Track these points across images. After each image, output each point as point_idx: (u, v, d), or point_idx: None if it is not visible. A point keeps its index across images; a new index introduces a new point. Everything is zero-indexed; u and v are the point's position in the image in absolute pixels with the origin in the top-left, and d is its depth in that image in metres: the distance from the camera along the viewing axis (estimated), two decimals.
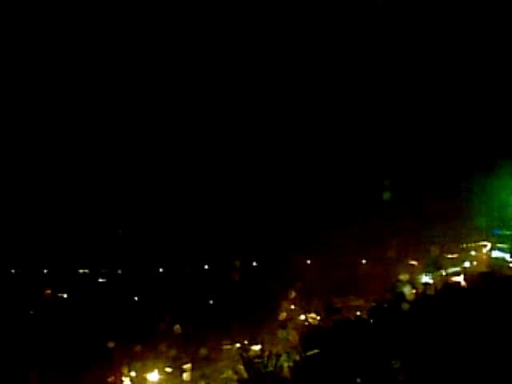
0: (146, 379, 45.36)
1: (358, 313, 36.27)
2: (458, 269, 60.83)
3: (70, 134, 77.32)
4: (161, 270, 72.72)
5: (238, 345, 44.97)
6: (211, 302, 61.39)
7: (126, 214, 72.61)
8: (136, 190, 74.50)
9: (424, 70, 70.97)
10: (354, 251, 67.53)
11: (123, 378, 45.50)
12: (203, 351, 44.64)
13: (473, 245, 71.24)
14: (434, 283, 41.87)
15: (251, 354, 27.46)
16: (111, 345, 43.53)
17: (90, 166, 76.87)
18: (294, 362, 23.73)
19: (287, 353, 25.11)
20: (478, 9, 65.08)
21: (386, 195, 55.15)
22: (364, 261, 70.78)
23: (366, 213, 66.65)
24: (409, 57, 71.89)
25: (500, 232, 59.51)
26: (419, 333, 19.39)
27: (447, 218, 65.08)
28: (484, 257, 65.32)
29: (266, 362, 24.22)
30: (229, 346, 46.99)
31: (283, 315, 47.63)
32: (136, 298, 64.34)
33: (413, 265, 62.36)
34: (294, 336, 28.12)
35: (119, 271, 71.25)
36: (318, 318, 35.63)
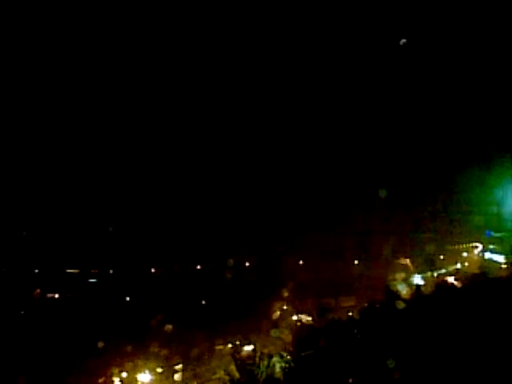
0: (136, 380, 45.07)
1: (350, 313, 36.20)
2: (449, 270, 60.98)
3: (62, 134, 77.04)
4: (152, 270, 72.48)
5: (230, 345, 44.85)
6: (203, 302, 61.19)
7: (117, 213, 72.26)
8: (128, 189, 74.20)
9: (424, 70, 70.90)
10: (346, 252, 67.62)
11: (114, 379, 45.20)
12: (195, 351, 44.50)
13: (464, 246, 71.47)
14: (425, 284, 41.92)
15: (243, 354, 27.37)
16: (102, 345, 43.29)
17: (82, 165, 76.61)
18: (287, 362, 23.65)
19: (279, 353, 25.01)
20: (476, 8, 65.28)
21: (380, 194, 55.24)
22: (356, 261, 70.85)
23: (358, 214, 66.71)
24: (406, 54, 71.93)
25: (492, 233, 59.66)
26: (411, 333, 19.38)
27: (439, 218, 65.31)
28: (476, 258, 65.54)
29: (258, 362, 24.10)
30: (221, 347, 46.81)
31: (276, 315, 47.59)
32: (128, 298, 64.01)
33: (405, 265, 62.57)
34: (286, 336, 28.02)
35: (110, 271, 70.91)
36: (310, 318, 35.54)
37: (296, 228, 68.32)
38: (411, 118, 70.81)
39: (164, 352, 44.05)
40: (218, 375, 37.11)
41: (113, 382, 45.34)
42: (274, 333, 34.75)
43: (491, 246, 60.09)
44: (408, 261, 63.56)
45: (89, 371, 43.31)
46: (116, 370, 45.13)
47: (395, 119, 71.05)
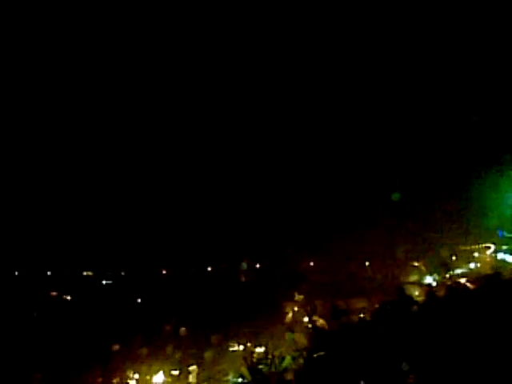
0: (151, 381, 45.37)
1: (362, 315, 36.20)
2: (462, 270, 60.64)
3: (73, 136, 77.57)
4: (164, 271, 72.77)
5: (242, 347, 45.02)
6: (216, 303, 61.35)
7: (129, 216, 72.62)
8: (139, 192, 74.57)
9: (440, 73, 70.62)
10: (357, 253, 67.46)
11: (128, 381, 45.52)
12: (209, 353, 44.72)
13: (477, 246, 71.00)
14: (438, 285, 41.82)
15: (255, 356, 27.48)
16: (116, 347, 43.59)
17: (94, 168, 77.03)
18: (299, 364, 23.70)
19: (292, 355, 25.09)
20: (477, 7, 64.93)
21: (393, 197, 55.09)
22: (367, 263, 70.69)
23: (370, 215, 66.59)
24: (411, 55, 71.66)
25: (505, 234, 59.30)
26: (425, 335, 19.39)
27: (451, 219, 64.96)
28: (488, 259, 65.11)
29: (269, 364, 24.18)
30: (234, 348, 47.00)
31: (288, 317, 47.67)
32: (139, 300, 64.34)
33: (416, 266, 62.31)
34: (299, 338, 28.09)
35: (122, 273, 71.32)
36: (321, 320, 35.59)
37: (307, 230, 68.33)
38: (426, 120, 70.72)
39: (178, 354, 44.30)
40: (229, 376, 37.33)
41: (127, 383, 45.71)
42: (286, 335, 34.86)
43: (504, 247, 59.72)
44: (421, 262, 63.32)
45: (103, 373, 43.68)
46: (130, 372, 45.49)
47: (409, 124, 70.92)
